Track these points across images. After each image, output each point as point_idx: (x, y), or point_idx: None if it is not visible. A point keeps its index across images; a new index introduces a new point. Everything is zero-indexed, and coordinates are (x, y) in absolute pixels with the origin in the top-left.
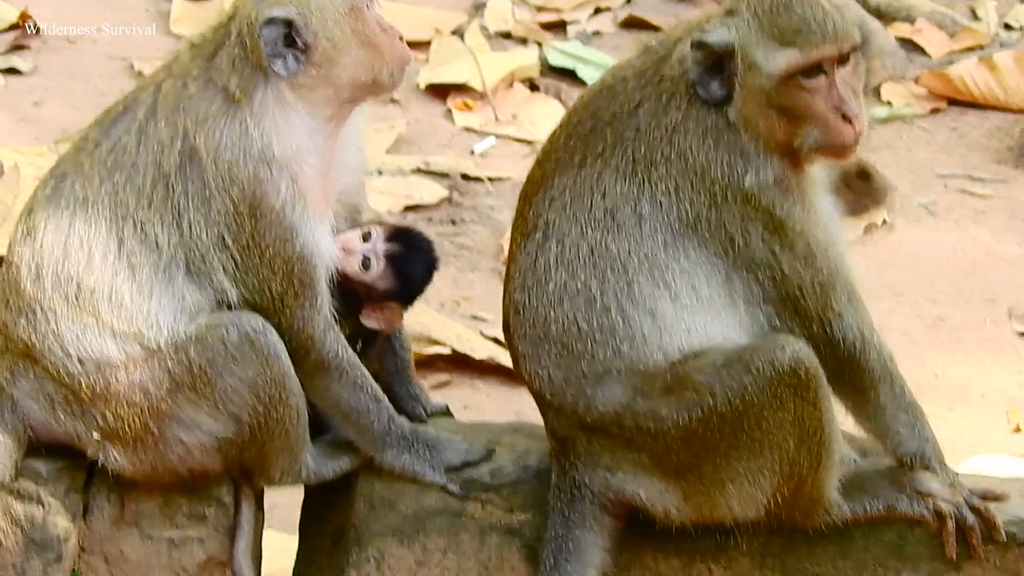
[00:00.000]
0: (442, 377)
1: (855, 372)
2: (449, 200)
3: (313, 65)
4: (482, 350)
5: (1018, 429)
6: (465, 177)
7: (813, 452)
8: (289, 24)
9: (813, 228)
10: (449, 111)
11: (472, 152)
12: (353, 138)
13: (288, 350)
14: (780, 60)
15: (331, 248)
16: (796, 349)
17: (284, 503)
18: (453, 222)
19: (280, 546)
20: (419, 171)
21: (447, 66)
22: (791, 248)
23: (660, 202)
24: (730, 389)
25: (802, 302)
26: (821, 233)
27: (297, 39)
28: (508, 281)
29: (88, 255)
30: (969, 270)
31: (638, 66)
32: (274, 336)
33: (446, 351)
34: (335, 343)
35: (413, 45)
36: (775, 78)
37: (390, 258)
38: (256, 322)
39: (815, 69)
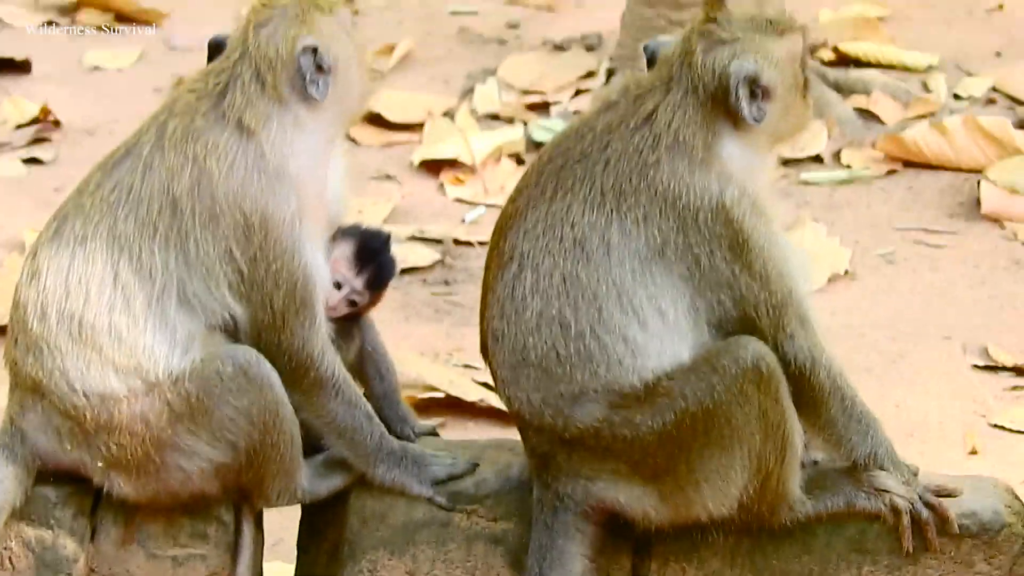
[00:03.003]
0: (437, 420)
1: (806, 388)
2: (442, 263)
3: (333, 87)
4: (474, 393)
5: (974, 451)
6: (457, 242)
7: (778, 446)
8: (315, 51)
9: (772, 248)
10: (441, 185)
11: (463, 220)
12: (339, 169)
13: (287, 369)
14: (794, 44)
15: (326, 273)
16: (757, 347)
17: (290, 536)
18: (446, 282)
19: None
20: (414, 238)
21: (439, 144)
22: (750, 267)
23: (629, 231)
24: (699, 390)
25: (758, 322)
26: (779, 255)
27: (321, 64)
28: (485, 309)
29: (86, 291)
30: (925, 311)
31: (605, 118)
32: (267, 366)
33: (440, 396)
34: (332, 362)
35: (408, 127)
36: (797, 61)
37: (369, 283)
38: (249, 354)
39: None
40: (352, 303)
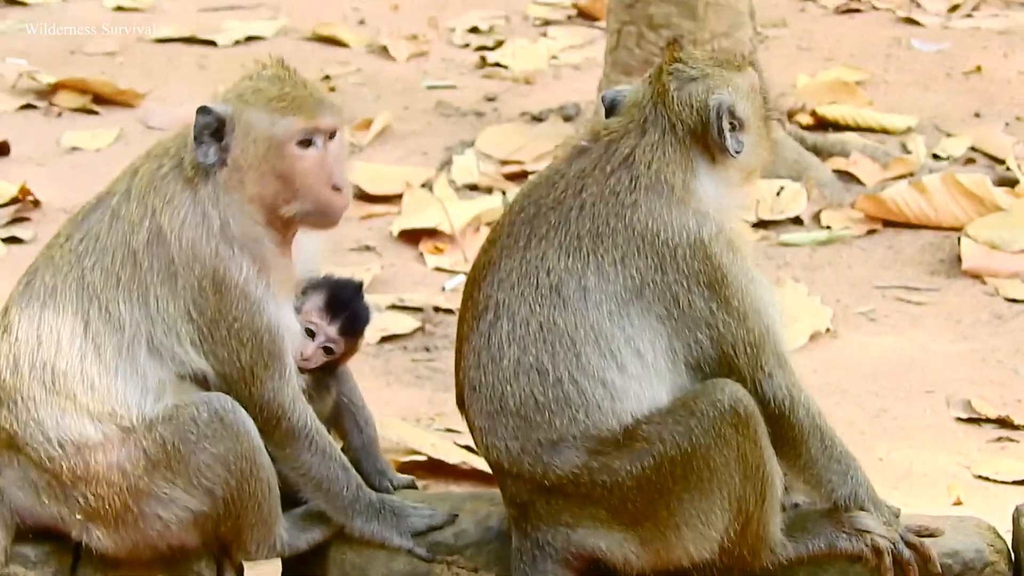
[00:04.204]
0: (420, 483)
1: (785, 428)
2: (422, 330)
3: (229, 167)
4: (455, 456)
5: (959, 502)
6: (437, 310)
7: (758, 488)
8: (221, 121)
9: (750, 285)
10: (421, 254)
11: (443, 289)
12: (312, 234)
13: (259, 421)
14: (753, 78)
15: (295, 325)
16: (734, 389)
17: None
18: (427, 349)
19: None
20: (394, 307)
21: (418, 215)
22: (728, 303)
23: (606, 273)
24: (677, 433)
25: (736, 361)
26: (756, 292)
27: (224, 137)
28: (461, 359)
29: (57, 340)
30: (908, 367)
31: (577, 165)
32: (242, 413)
33: (423, 459)
34: (304, 413)
35: (387, 199)
36: (759, 93)
37: (342, 329)
38: (225, 400)
39: None
40: (328, 351)
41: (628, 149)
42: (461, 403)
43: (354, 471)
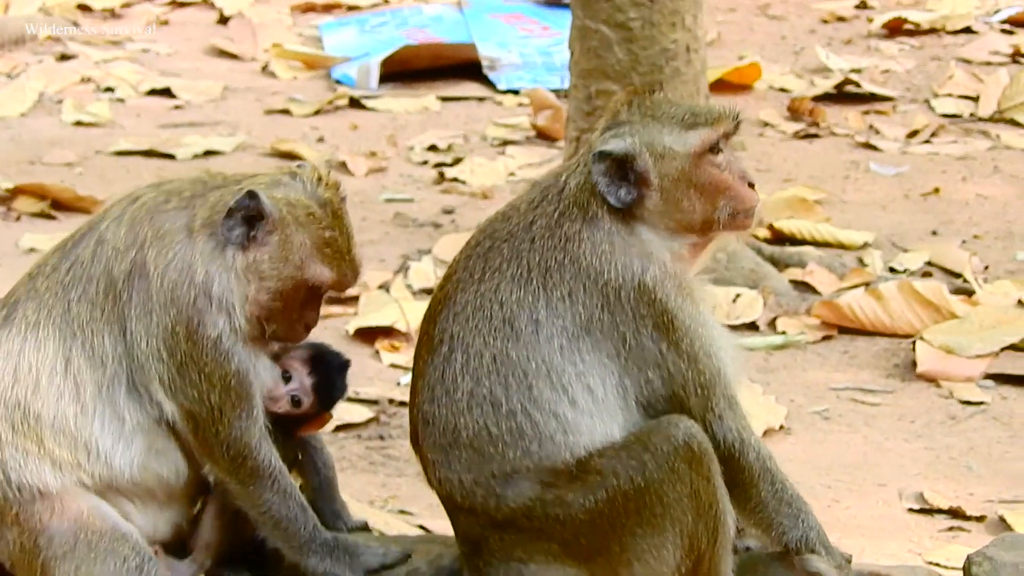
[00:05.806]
0: None
1: (735, 471)
2: (377, 420)
3: (250, 261)
4: (410, 534)
5: None
6: (391, 402)
7: (710, 527)
8: (260, 214)
9: (699, 327)
10: (377, 352)
11: (399, 383)
12: None
13: (225, 459)
14: (693, 139)
15: (268, 371)
16: (688, 426)
17: None
18: (381, 437)
19: None
20: (349, 399)
21: (375, 314)
22: (677, 346)
23: (556, 307)
24: (631, 467)
25: (687, 402)
26: (706, 335)
27: (256, 230)
28: (415, 395)
29: (36, 379)
30: (861, 462)
31: (529, 196)
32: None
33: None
34: (269, 453)
35: (343, 301)
36: (691, 156)
37: (316, 388)
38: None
39: (716, 146)
40: (296, 402)
41: (564, 178)
42: (415, 439)
43: (311, 511)
